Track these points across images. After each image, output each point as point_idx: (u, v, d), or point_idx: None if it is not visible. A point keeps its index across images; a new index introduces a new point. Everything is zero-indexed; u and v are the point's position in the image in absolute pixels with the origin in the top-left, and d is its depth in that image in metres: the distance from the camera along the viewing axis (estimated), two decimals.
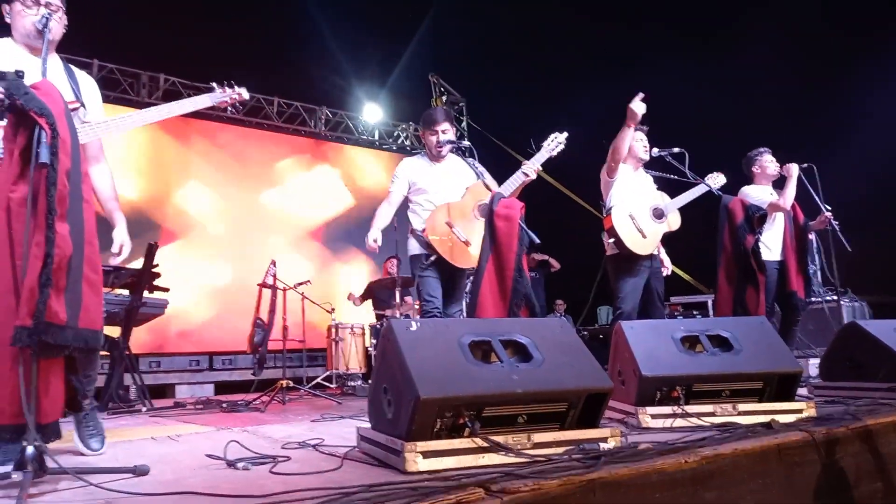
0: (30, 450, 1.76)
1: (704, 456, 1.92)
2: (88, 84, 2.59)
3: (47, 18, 2.16)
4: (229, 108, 2.90)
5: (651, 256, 4.19)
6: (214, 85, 2.90)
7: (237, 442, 2.44)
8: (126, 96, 7.84)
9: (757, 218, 4.15)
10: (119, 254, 2.61)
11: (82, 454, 2.49)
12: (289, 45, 8.68)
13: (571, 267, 8.27)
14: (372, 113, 9.98)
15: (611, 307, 8.37)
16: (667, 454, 1.91)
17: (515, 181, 3.69)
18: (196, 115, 8.28)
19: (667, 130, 4.60)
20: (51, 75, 2.11)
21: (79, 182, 1.87)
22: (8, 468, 1.81)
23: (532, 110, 9.32)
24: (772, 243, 4.58)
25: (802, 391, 3.37)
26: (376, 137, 10.11)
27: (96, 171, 2.61)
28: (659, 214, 4.19)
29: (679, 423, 2.53)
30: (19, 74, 1.78)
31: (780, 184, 4.68)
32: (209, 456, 2.30)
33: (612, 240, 4.09)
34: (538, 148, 3.92)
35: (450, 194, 3.87)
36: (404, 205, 4.05)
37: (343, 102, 9.82)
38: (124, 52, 7.67)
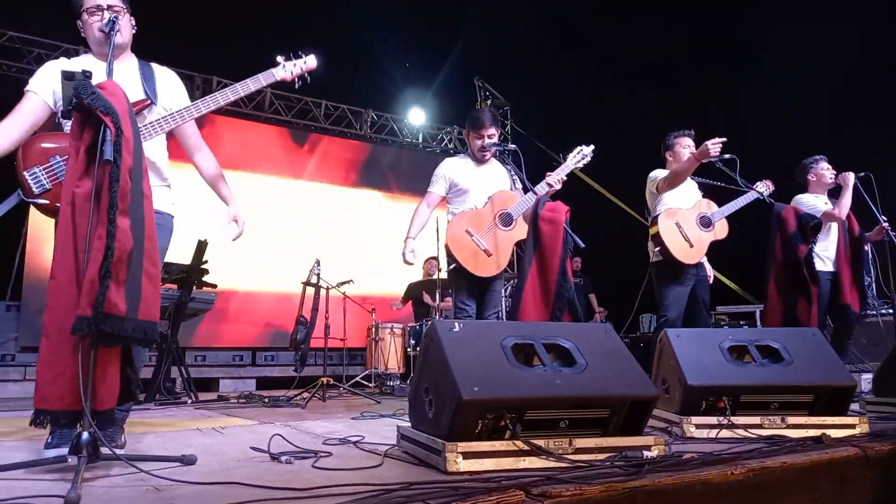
0: (85, 435, 1.83)
1: (751, 468, 1.88)
2: (167, 79, 2.67)
3: (113, 21, 2.25)
4: (298, 81, 2.80)
5: (697, 264, 4.12)
6: (280, 59, 2.80)
7: (280, 436, 2.49)
8: None
9: (811, 227, 4.03)
10: (236, 225, 2.77)
11: (133, 444, 2.57)
12: (336, 49, 8.80)
13: (613, 274, 8.16)
14: (417, 116, 10.06)
15: (654, 315, 8.26)
16: (712, 465, 1.88)
17: (539, 192, 3.66)
18: (246, 116, 8.52)
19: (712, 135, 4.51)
20: (119, 76, 2.19)
21: (140, 179, 1.94)
22: (63, 451, 1.89)
23: (577, 115, 9.24)
24: (825, 254, 4.44)
25: (854, 406, 3.26)
26: (420, 140, 10.18)
27: (199, 158, 2.80)
28: (706, 223, 4.12)
29: (725, 434, 2.48)
30: (86, 75, 1.86)
31: (835, 193, 4.54)
32: (253, 448, 2.36)
33: (657, 248, 4.03)
34: (565, 159, 3.91)
35: None
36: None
37: (389, 105, 9.92)
38: (179, 55, 7.90)
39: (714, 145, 3.75)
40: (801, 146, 5.11)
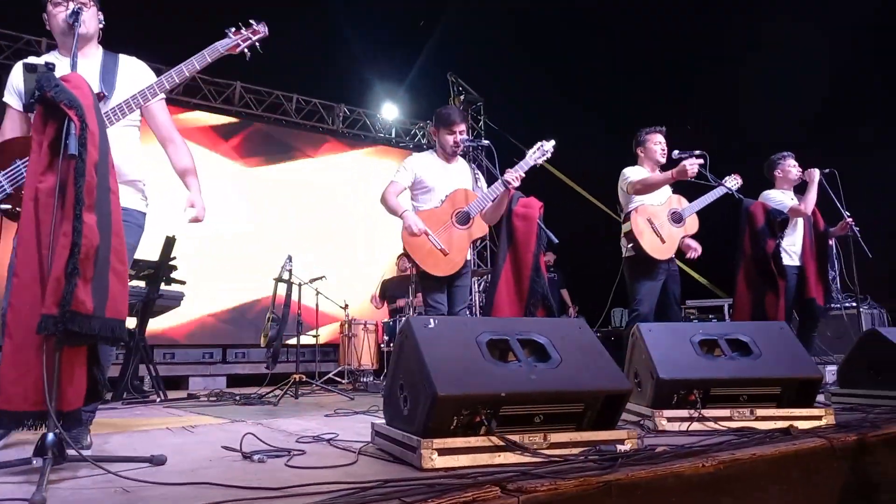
0: (50, 437, 1.79)
1: (722, 460, 1.91)
2: (131, 69, 2.59)
3: (77, 13, 2.19)
4: (248, 52, 2.71)
5: (669, 259, 4.18)
6: (228, 31, 2.71)
7: (253, 434, 2.46)
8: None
9: (778, 223, 4.11)
10: (192, 210, 2.69)
11: (101, 445, 2.52)
12: (309, 43, 8.71)
13: (586, 269, 8.24)
14: (389, 111, 10.01)
15: (625, 309, 8.37)
16: (684, 457, 1.90)
17: (495, 191, 3.64)
18: (218, 110, 8.38)
19: (685, 132, 4.59)
20: (81, 69, 2.13)
21: (106, 173, 1.89)
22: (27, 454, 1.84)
23: (550, 110, 9.29)
24: (792, 249, 4.54)
25: (820, 398, 3.33)
26: (393, 135, 10.13)
27: (171, 149, 2.73)
28: (678, 219, 4.18)
29: (695, 426, 2.51)
30: (49, 67, 1.81)
31: (801, 189, 4.63)
32: (225, 448, 2.32)
33: (630, 244, 4.08)
34: (524, 156, 3.87)
35: None
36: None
37: (361, 100, 9.84)
38: (147, 47, 7.73)
39: (692, 166, 3.84)
40: (777, 144, 5.21)
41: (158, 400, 4.90)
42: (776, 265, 3.96)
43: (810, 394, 2.67)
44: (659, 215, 4.11)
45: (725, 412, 2.57)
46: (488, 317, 3.38)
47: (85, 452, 1.98)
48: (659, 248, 4.04)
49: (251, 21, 2.72)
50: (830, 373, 4.61)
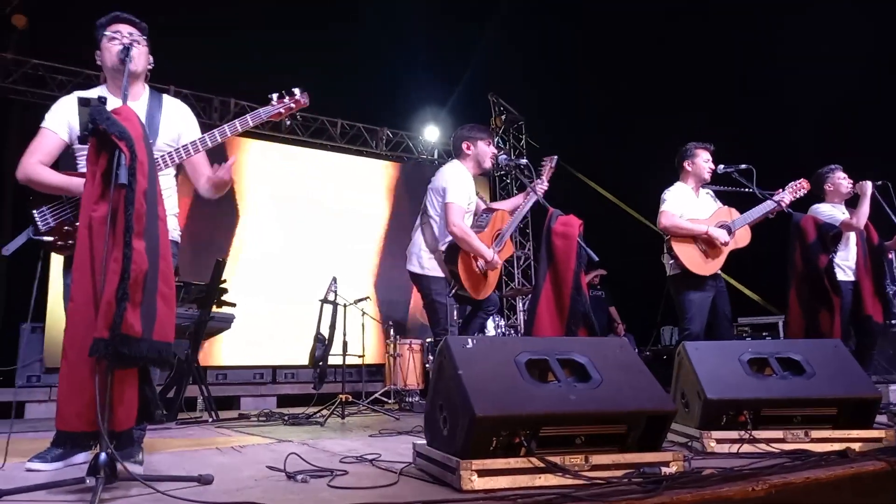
0: (102, 456, 1.85)
1: (773, 484, 1.84)
2: (175, 113, 2.72)
3: (128, 49, 2.31)
4: (288, 120, 2.90)
5: (716, 276, 4.09)
6: (272, 97, 2.85)
7: (297, 454, 2.49)
8: (199, 119, 8.22)
9: (831, 237, 3.97)
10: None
11: (152, 464, 2.59)
12: (352, 68, 8.92)
13: (634, 287, 8.10)
14: (432, 133, 10.12)
15: (675, 327, 8.17)
16: (733, 481, 1.84)
17: (526, 207, 3.77)
18: (264, 136, 8.64)
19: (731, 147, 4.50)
20: (132, 104, 2.25)
21: (154, 201, 1.97)
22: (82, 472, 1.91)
23: (591, 129, 9.25)
24: (846, 264, 4.37)
25: (881, 419, 3.18)
26: (436, 157, 10.23)
27: (203, 183, 2.76)
28: (726, 231, 4.08)
29: (746, 448, 2.43)
30: (101, 101, 1.91)
31: (852, 202, 4.47)
32: (270, 468, 2.36)
33: (672, 261, 4.02)
34: (538, 173, 3.95)
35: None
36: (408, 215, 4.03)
37: (404, 123, 10.00)
38: (195, 76, 8.06)
39: (722, 235, 4.03)
40: (817, 154, 5.06)
41: (210, 420, 5.01)
42: (830, 281, 3.81)
43: (868, 414, 2.55)
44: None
45: (778, 434, 2.48)
46: (528, 336, 3.37)
47: (136, 470, 2.04)
48: (700, 265, 3.99)
49: (294, 90, 2.85)
50: (894, 392, 4.39)
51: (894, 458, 2.11)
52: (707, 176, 4.26)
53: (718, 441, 2.48)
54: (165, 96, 2.74)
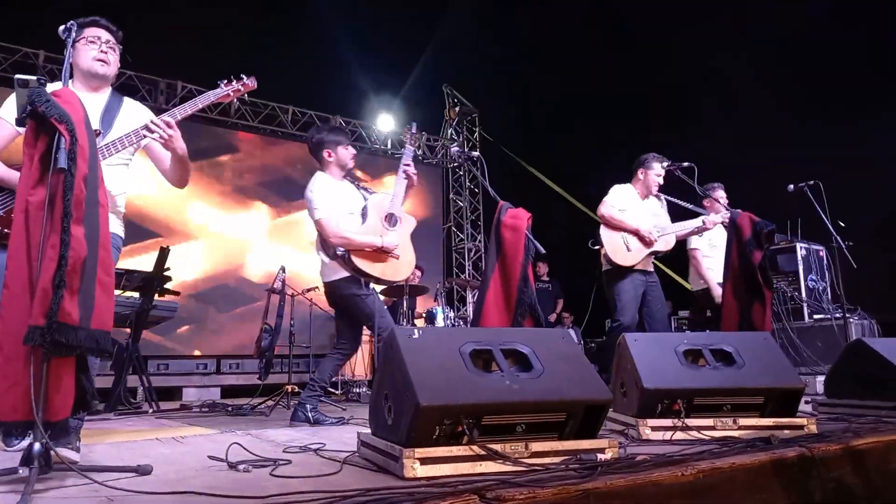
0: (37, 446, 1.81)
1: (701, 469, 1.93)
2: (132, 113, 2.73)
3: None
4: (236, 101, 2.94)
5: (645, 272, 4.42)
6: (220, 83, 2.94)
7: (239, 444, 2.48)
8: (144, 102, 7.97)
9: (765, 234, 4.15)
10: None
11: (89, 454, 2.53)
12: (304, 54, 8.79)
13: (583, 279, 8.29)
14: (385, 122, 10.07)
15: None
16: (663, 466, 1.93)
17: (400, 184, 3.78)
18: (214, 122, 8.44)
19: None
20: (90, 104, 2.24)
21: (95, 187, 1.92)
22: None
23: (543, 123, 9.37)
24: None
25: (807, 408, 3.36)
26: (389, 146, 10.19)
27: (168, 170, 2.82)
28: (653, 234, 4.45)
29: (679, 436, 2.54)
30: (41, 82, 1.85)
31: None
32: (211, 457, 2.34)
33: (596, 246, 4.39)
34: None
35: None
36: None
37: (357, 112, 9.92)
38: (143, 59, 7.81)
39: (653, 234, 4.38)
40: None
41: (151, 411, 4.91)
42: (763, 276, 3.99)
43: (793, 403, 2.70)
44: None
45: (709, 422, 2.60)
46: (474, 327, 3.42)
47: (73, 458, 2.00)
48: (623, 255, 4.32)
49: (242, 75, 2.96)
50: (821, 383, 4.64)
51: (814, 444, 2.24)
52: (654, 189, 4.59)
53: (654, 429, 2.58)
54: (126, 98, 2.76)
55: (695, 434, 2.53)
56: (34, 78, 1.83)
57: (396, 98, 10.09)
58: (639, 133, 8.20)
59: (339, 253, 3.47)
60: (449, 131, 10.52)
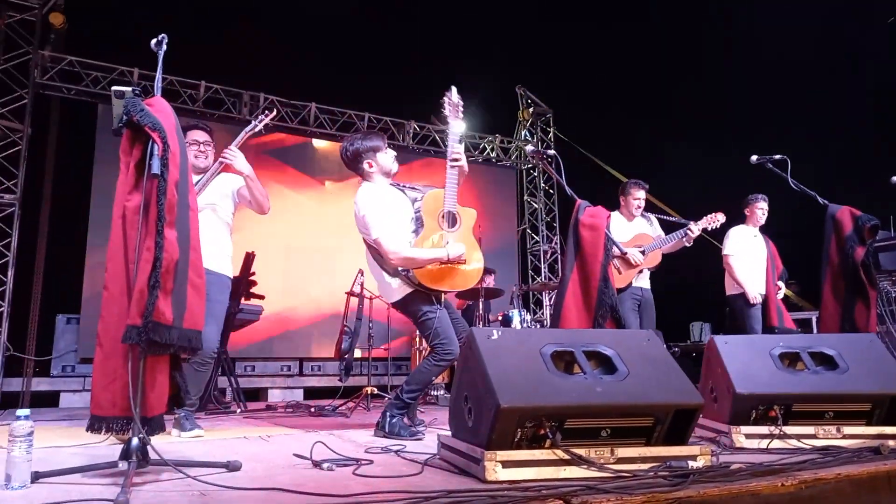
0: (135, 441, 1.90)
1: (803, 480, 1.81)
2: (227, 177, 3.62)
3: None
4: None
5: (641, 288, 4.74)
6: (251, 118, 3.71)
7: (323, 443, 2.52)
8: (229, 114, 8.32)
9: (868, 228, 3.86)
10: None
11: (182, 450, 2.64)
12: (378, 61, 8.95)
13: (663, 283, 8.03)
14: (458, 125, 10.09)
15: (704, 323, 8.11)
16: (762, 476, 1.82)
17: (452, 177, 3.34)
18: (292, 130, 8.72)
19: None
20: None
21: (186, 192, 2.01)
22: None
23: (619, 122, 9.15)
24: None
25: None
26: (463, 150, 10.21)
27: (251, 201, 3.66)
28: (640, 253, 4.68)
29: (776, 444, 2.39)
30: (136, 93, 1.95)
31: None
32: (297, 455, 2.39)
33: None
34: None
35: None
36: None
37: (430, 117, 9.99)
38: (228, 72, 8.18)
39: (637, 256, 4.66)
40: None
41: (239, 411, 5.09)
42: (866, 274, 3.71)
43: None
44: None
45: (809, 430, 2.43)
46: (553, 328, 3.34)
47: (167, 457, 2.09)
48: (616, 279, 4.21)
49: (266, 111, 3.78)
50: None
51: None
52: (635, 213, 4.90)
53: (748, 436, 2.44)
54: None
55: (794, 443, 2.38)
56: (129, 89, 1.93)
57: (471, 102, 10.09)
58: (714, 132, 7.90)
59: (401, 272, 3.16)
60: (523, 133, 10.43)
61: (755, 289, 5.08)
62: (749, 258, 5.19)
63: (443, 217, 3.28)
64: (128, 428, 1.93)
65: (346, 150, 3.45)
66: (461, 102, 3.49)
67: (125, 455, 1.88)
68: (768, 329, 4.92)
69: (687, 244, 4.83)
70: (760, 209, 5.27)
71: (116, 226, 1.96)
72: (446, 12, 8.85)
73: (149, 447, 1.94)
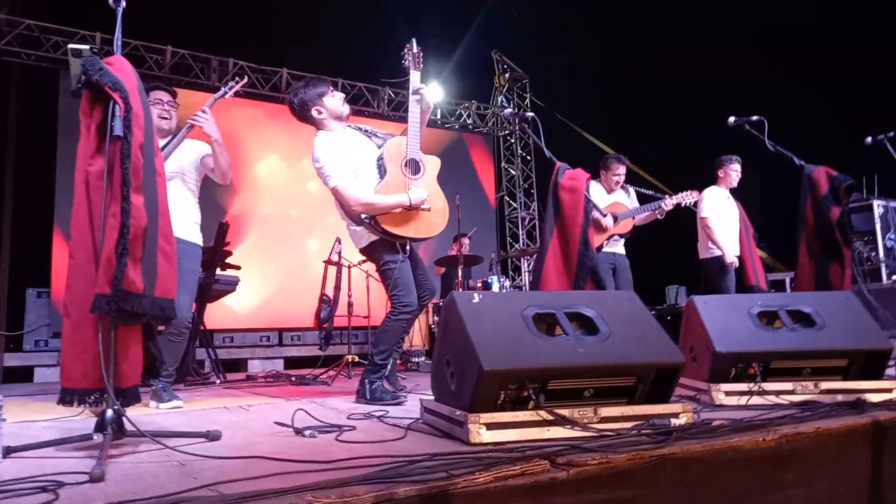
0: (109, 413, 1.85)
1: (784, 434, 1.83)
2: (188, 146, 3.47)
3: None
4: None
5: (614, 253, 4.87)
6: (220, 85, 3.69)
7: (305, 411, 2.49)
8: (198, 80, 8.09)
9: (844, 188, 3.88)
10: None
11: (159, 421, 2.60)
12: (352, 27, 8.73)
13: (639, 246, 8.09)
14: (434, 92, 9.95)
15: (680, 286, 8.21)
16: (743, 431, 1.83)
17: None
18: (262, 96, 8.51)
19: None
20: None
21: (152, 156, 1.92)
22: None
23: (595, 87, 9.09)
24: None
25: (890, 371, 3.16)
26: (438, 116, 10.08)
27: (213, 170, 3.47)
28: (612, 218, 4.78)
29: (755, 400, 2.42)
30: (94, 51, 1.84)
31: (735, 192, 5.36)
32: (278, 423, 2.36)
33: None
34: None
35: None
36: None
37: (405, 82, 9.82)
38: (195, 37, 7.92)
39: (608, 220, 4.69)
40: None
41: (218, 382, 5.04)
42: (842, 233, 3.74)
43: (879, 366, 2.53)
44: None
45: (788, 386, 2.46)
46: (534, 291, 3.32)
47: (144, 429, 2.05)
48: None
49: (237, 78, 3.69)
50: None
51: None
52: (614, 186, 5.02)
53: (727, 393, 2.47)
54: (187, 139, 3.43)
55: (773, 399, 2.41)
56: (87, 47, 1.83)
57: (446, 67, 9.94)
58: (695, 93, 7.87)
59: (364, 220, 3.10)
60: (499, 99, 10.33)
61: (732, 251, 5.12)
62: (723, 220, 5.24)
63: (406, 164, 3.21)
64: (101, 400, 1.88)
65: (293, 102, 3.35)
66: (421, 53, 3.47)
67: (100, 427, 1.83)
68: (746, 288, 4.98)
69: (659, 216, 5.01)
70: (734, 171, 5.33)
71: (80, 191, 1.88)
72: None
73: (124, 418, 1.89)
